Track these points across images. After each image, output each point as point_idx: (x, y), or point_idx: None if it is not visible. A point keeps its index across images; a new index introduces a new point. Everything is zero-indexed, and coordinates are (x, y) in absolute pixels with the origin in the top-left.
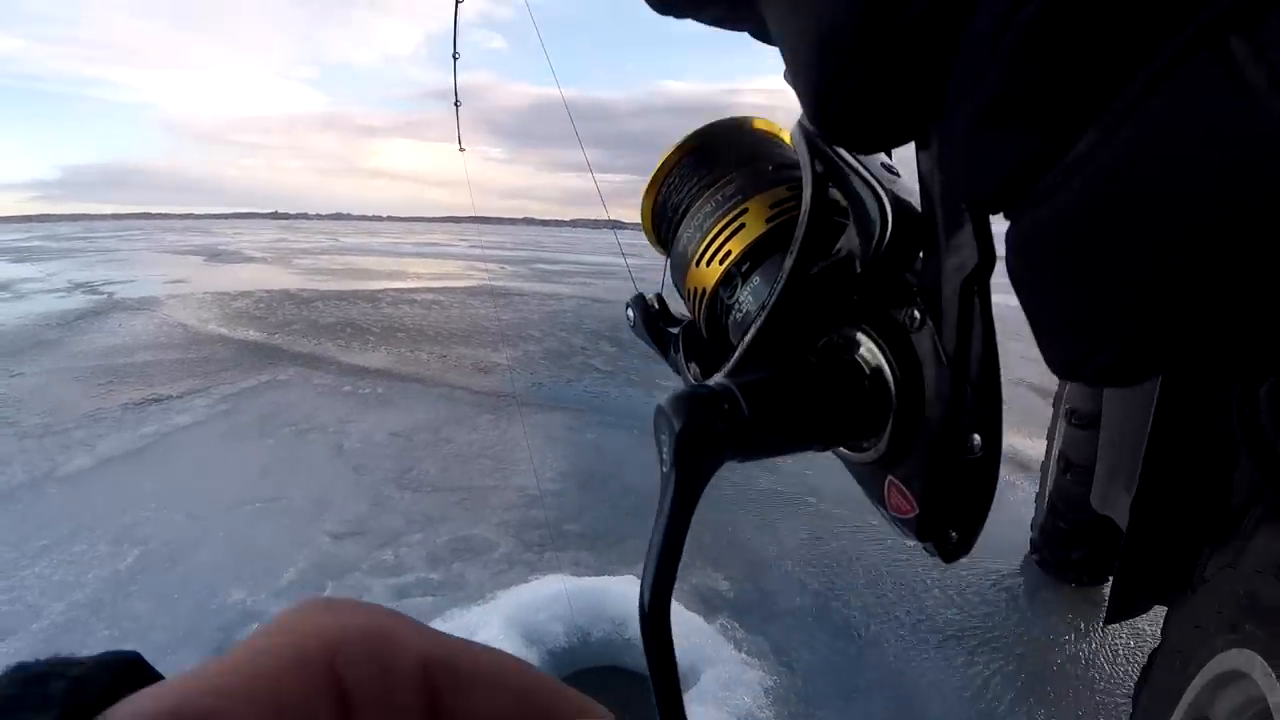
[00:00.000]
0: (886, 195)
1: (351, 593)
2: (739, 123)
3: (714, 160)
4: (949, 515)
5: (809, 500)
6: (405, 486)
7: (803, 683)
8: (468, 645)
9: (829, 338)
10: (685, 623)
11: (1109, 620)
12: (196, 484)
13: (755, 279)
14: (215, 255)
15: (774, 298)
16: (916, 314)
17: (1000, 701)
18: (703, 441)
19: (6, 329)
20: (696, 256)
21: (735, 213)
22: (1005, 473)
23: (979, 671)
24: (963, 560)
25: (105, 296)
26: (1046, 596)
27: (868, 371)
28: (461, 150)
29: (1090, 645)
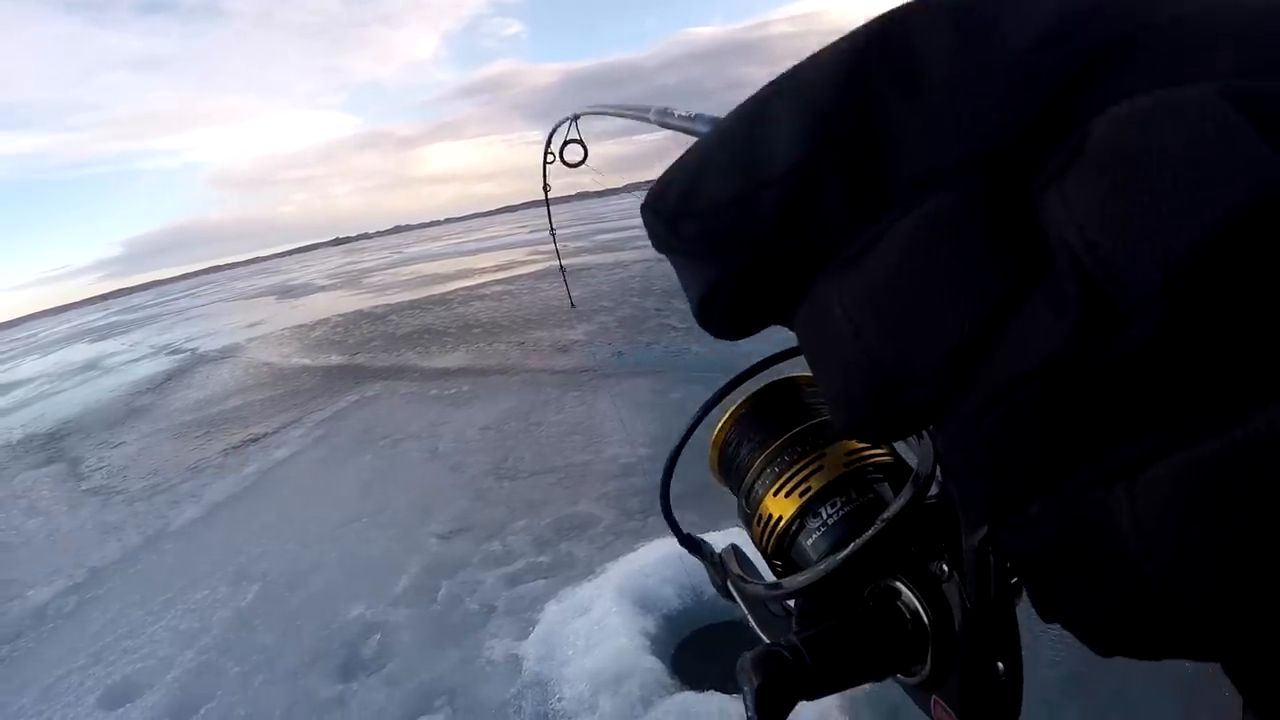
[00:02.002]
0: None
1: (465, 589)
2: (790, 381)
3: (781, 416)
4: None
5: None
6: (503, 476)
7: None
8: None
9: (874, 585)
10: None
11: None
12: (303, 512)
13: (825, 513)
14: (286, 291)
15: (839, 561)
16: (945, 567)
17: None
18: (775, 695)
19: (102, 403)
20: (775, 488)
21: (815, 455)
22: None
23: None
24: None
25: (188, 353)
26: None
27: (908, 616)
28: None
29: None
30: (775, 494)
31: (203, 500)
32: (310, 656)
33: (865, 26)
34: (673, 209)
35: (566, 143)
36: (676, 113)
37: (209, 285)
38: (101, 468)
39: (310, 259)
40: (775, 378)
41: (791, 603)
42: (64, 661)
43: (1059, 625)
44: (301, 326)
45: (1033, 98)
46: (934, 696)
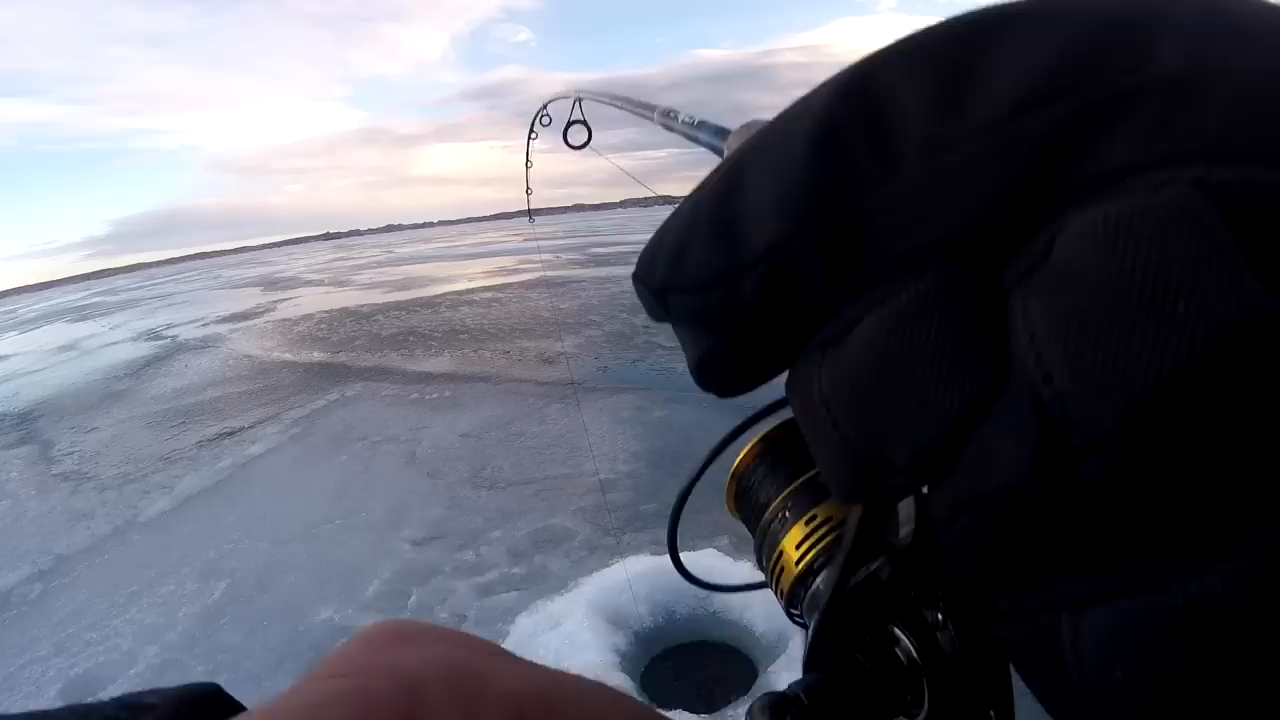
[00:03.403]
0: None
1: (436, 597)
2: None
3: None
4: None
5: None
6: (480, 485)
7: None
8: (567, 682)
9: (874, 631)
10: (770, 591)
11: None
12: (276, 510)
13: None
14: (272, 284)
15: (819, 615)
16: (940, 615)
17: None
18: None
19: (78, 386)
20: (792, 530)
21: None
22: None
23: None
24: None
25: (169, 340)
26: None
27: (905, 662)
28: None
29: None
30: (792, 535)
31: (174, 492)
32: (276, 658)
33: (836, 81)
34: (659, 284)
35: (571, 123)
36: (680, 116)
37: (195, 272)
38: (73, 452)
39: (299, 252)
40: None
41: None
42: (26, 650)
43: None
44: (285, 320)
45: (1012, 170)
46: None
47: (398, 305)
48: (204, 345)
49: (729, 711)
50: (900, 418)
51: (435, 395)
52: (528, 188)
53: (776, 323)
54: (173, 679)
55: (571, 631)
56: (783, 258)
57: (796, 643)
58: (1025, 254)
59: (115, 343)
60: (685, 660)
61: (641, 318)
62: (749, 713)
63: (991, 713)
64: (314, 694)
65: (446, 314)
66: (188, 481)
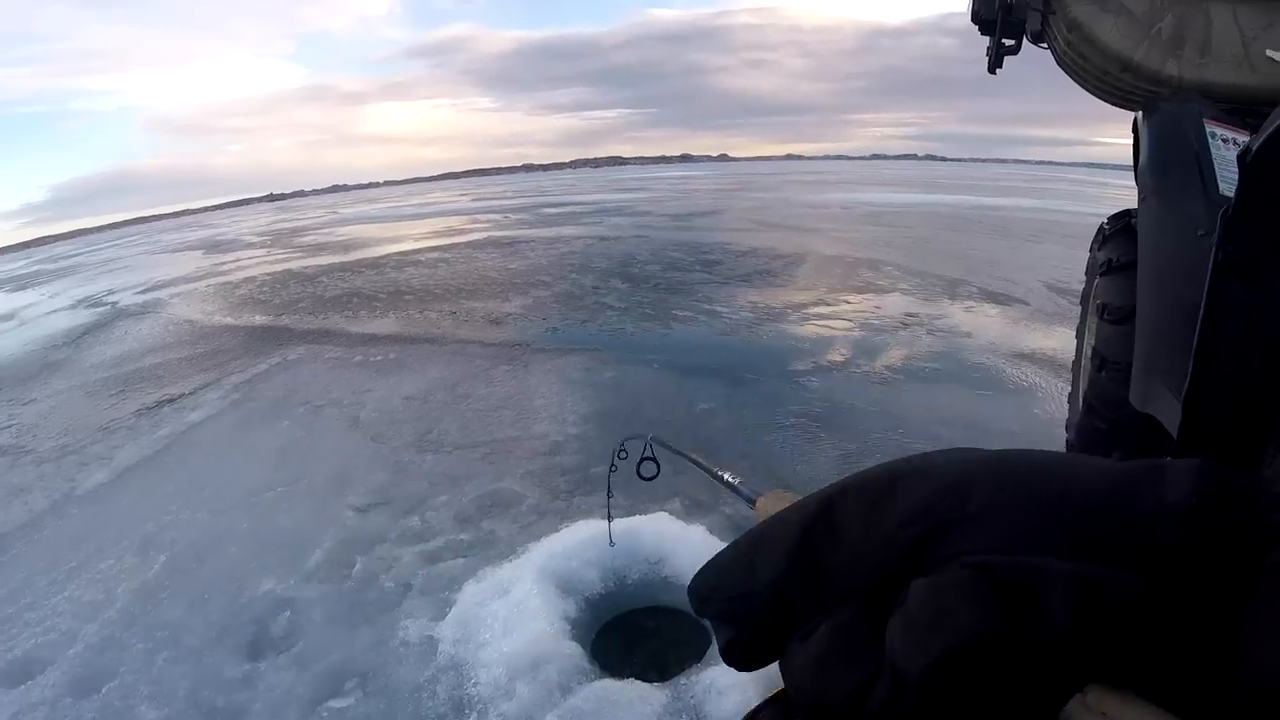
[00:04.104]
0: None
1: (381, 565)
2: None
3: None
4: None
5: (839, 420)
6: (426, 449)
7: None
8: None
9: None
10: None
11: None
12: (216, 478)
13: None
14: (214, 247)
15: None
16: None
17: None
18: None
19: (15, 357)
20: None
21: None
22: (1032, 374)
23: None
24: None
25: (109, 307)
26: None
27: None
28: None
29: None
30: None
31: (113, 463)
32: (217, 633)
33: (816, 498)
34: (706, 594)
35: (643, 459)
36: (726, 475)
37: (136, 236)
38: (10, 426)
39: (242, 214)
40: None
41: None
42: None
43: None
44: (227, 284)
45: (896, 554)
46: None
47: (342, 267)
48: (144, 311)
49: (682, 679)
50: (834, 680)
51: (379, 358)
52: (609, 515)
53: (774, 622)
54: (113, 658)
55: (520, 599)
56: (779, 586)
57: None
58: (898, 598)
59: (54, 311)
60: (637, 627)
61: (590, 278)
62: None
63: None
64: None
65: (392, 275)
66: (126, 452)
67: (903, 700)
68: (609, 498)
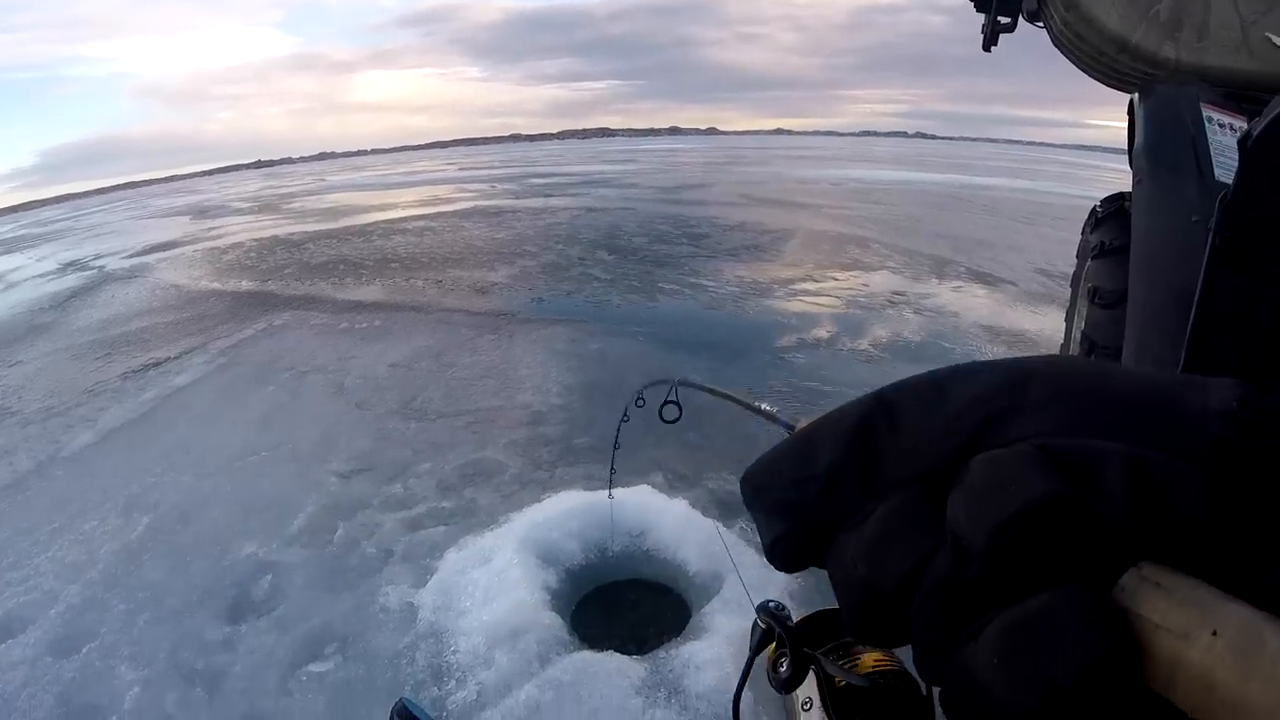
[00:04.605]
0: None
1: (363, 531)
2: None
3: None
4: None
5: (825, 394)
6: (410, 417)
7: (827, 582)
8: None
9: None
10: (704, 529)
11: None
12: (201, 442)
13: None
14: (202, 212)
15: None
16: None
17: None
18: None
19: (1, 320)
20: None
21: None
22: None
23: None
24: None
25: (96, 271)
26: None
27: None
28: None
29: None
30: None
31: (98, 425)
32: (199, 595)
33: (875, 392)
34: (760, 484)
35: (666, 402)
36: (763, 405)
37: (124, 201)
38: None
39: (230, 180)
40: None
41: None
42: None
43: None
44: (214, 249)
45: (955, 440)
46: None
47: (329, 234)
48: (131, 275)
49: (660, 653)
50: (889, 563)
51: (365, 325)
52: (612, 468)
53: (825, 512)
54: (94, 619)
55: (501, 568)
56: (835, 473)
57: (730, 583)
58: (960, 474)
59: (41, 275)
60: (617, 599)
61: (577, 249)
62: None
63: None
64: None
65: (378, 242)
66: (112, 414)
67: (966, 570)
68: (614, 449)
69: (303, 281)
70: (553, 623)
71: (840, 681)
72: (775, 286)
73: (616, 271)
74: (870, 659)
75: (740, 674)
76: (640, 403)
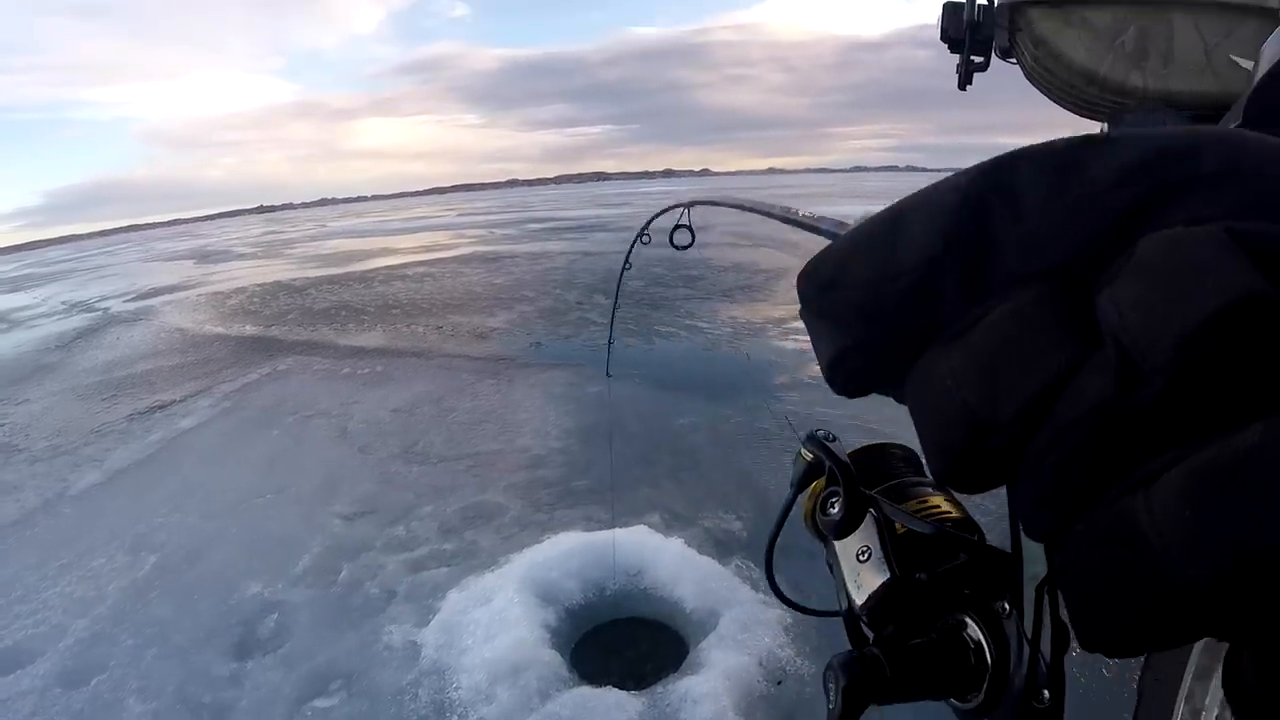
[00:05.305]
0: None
1: (366, 572)
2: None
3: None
4: None
5: (825, 428)
6: (412, 461)
7: (832, 622)
8: None
9: (945, 618)
10: (700, 567)
11: None
12: (207, 484)
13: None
14: (205, 256)
15: (890, 591)
16: (1006, 605)
17: None
18: (857, 694)
19: (8, 358)
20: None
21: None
22: None
23: None
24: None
25: (101, 313)
26: None
27: (972, 645)
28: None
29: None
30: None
31: (105, 465)
32: (206, 632)
33: (980, 166)
34: (826, 280)
35: (677, 227)
36: (800, 212)
37: (127, 244)
38: (4, 424)
39: (232, 224)
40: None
41: (866, 621)
42: None
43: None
44: (218, 294)
45: (1102, 224)
46: None
47: (330, 279)
48: (136, 318)
49: (658, 688)
50: (1011, 381)
51: (367, 370)
52: (610, 337)
53: (913, 320)
54: (102, 652)
55: (501, 607)
56: (932, 268)
57: (726, 620)
58: (1112, 267)
59: (47, 315)
60: (616, 637)
61: (575, 294)
62: (828, 665)
63: (1045, 692)
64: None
65: (379, 288)
66: (118, 454)
67: (1138, 392)
68: (614, 307)
69: (306, 327)
70: (553, 660)
71: (901, 528)
72: (769, 326)
73: (611, 314)
74: (934, 503)
75: (776, 519)
76: (646, 239)
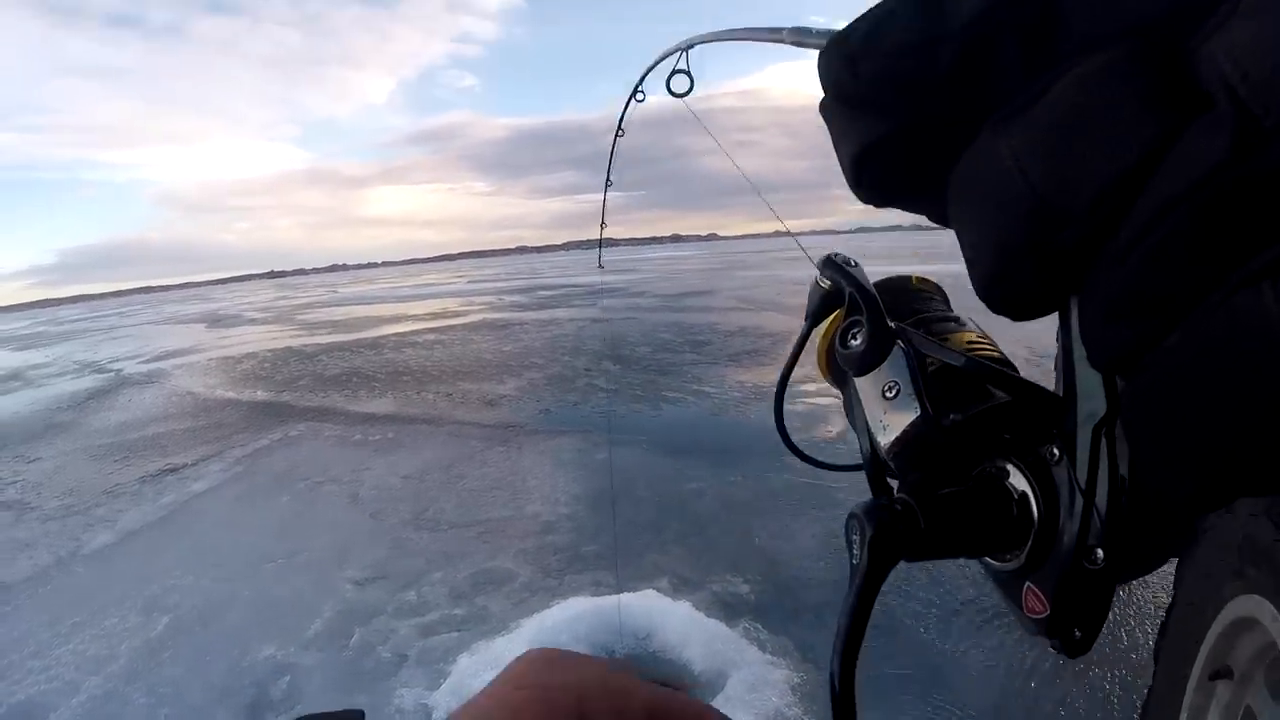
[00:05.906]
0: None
1: (378, 637)
2: (904, 280)
3: (912, 303)
4: (1075, 616)
5: (823, 495)
6: (423, 527)
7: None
8: (677, 696)
9: (984, 465)
10: (707, 629)
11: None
12: (219, 547)
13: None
14: (216, 321)
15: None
16: (1056, 450)
17: (1033, 677)
18: (885, 546)
19: (21, 416)
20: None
21: (963, 327)
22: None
23: (1009, 651)
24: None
25: (113, 374)
26: None
27: (1015, 496)
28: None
29: (1115, 610)
30: (962, 335)
31: (117, 526)
32: (218, 693)
33: None
34: (855, 50)
35: (674, 72)
36: (815, 29)
37: (140, 305)
38: (16, 481)
39: (244, 289)
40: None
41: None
42: None
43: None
44: (229, 358)
45: None
46: (1026, 583)
47: (341, 346)
48: (148, 380)
49: None
50: (1090, 158)
51: (378, 436)
52: (608, 179)
53: (963, 96)
54: (115, 710)
55: None
56: (984, 30)
57: (735, 681)
58: (1215, 16)
59: (59, 374)
60: None
61: (583, 360)
62: (851, 514)
63: (1099, 551)
64: (506, 700)
65: (390, 355)
66: (131, 515)
67: (1267, 151)
68: (610, 160)
69: (317, 393)
70: None
71: (934, 363)
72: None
73: (621, 381)
74: (967, 338)
75: (790, 353)
76: (640, 97)
